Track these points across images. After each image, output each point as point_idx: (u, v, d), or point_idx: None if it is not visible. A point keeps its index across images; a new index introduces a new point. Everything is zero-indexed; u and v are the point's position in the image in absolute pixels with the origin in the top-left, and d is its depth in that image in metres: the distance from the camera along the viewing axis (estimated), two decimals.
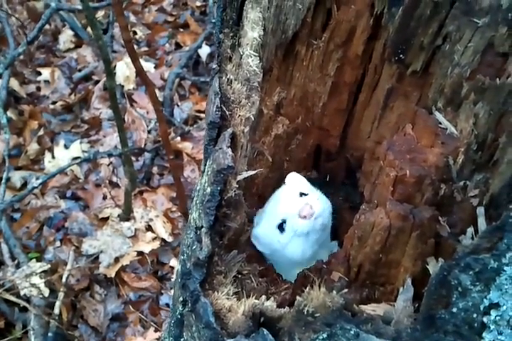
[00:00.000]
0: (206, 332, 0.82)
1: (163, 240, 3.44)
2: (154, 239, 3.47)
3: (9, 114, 3.45)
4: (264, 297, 0.83)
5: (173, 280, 3.39)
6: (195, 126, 3.75)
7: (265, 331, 0.75)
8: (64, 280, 3.15)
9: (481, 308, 0.68)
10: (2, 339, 2.93)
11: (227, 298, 0.84)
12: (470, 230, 0.72)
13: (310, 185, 1.09)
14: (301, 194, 1.03)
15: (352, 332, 0.68)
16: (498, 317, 0.69)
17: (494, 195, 0.79)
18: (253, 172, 0.96)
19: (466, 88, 0.82)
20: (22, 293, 3.04)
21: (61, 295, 3.07)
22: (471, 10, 0.78)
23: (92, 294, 3.29)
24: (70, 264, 3.23)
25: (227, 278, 0.89)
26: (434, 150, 0.82)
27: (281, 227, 1.02)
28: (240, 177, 0.92)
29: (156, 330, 3.20)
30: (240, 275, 0.97)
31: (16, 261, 3.18)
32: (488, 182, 0.81)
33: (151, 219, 3.52)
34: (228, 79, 0.93)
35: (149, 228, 3.49)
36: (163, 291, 3.38)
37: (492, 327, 0.70)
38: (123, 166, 3.27)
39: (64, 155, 3.56)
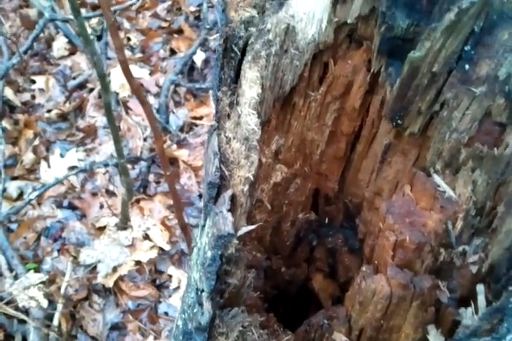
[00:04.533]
0: None
1: (160, 248, 3.46)
2: (152, 247, 3.48)
3: (4, 123, 3.44)
4: None
5: (171, 288, 3.41)
6: (191, 133, 3.74)
7: None
8: (62, 290, 3.16)
9: None
10: None
11: None
12: (470, 310, 0.73)
13: None
14: None
15: None
16: None
17: (493, 263, 0.80)
18: (253, 227, 0.96)
19: (464, 154, 0.82)
20: (20, 305, 3.04)
21: (60, 306, 3.09)
22: (469, 79, 0.79)
23: (91, 304, 3.30)
24: (68, 275, 3.23)
25: (229, 339, 0.90)
26: (433, 215, 0.83)
27: None
28: (240, 233, 0.92)
29: (155, 338, 3.22)
30: (241, 328, 0.97)
31: (14, 273, 3.18)
32: (487, 247, 0.81)
33: (148, 228, 3.53)
34: (227, 137, 0.93)
35: (147, 237, 3.50)
36: (161, 300, 3.39)
37: None
38: (119, 176, 3.26)
39: (60, 164, 3.55)
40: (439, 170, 0.86)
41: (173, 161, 3.69)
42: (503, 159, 0.77)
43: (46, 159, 3.57)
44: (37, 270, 3.28)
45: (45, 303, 3.04)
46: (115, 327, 3.25)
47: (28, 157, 3.56)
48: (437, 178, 0.86)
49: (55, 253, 3.38)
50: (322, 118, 1.04)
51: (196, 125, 3.79)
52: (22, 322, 3.00)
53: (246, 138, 0.91)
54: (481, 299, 0.72)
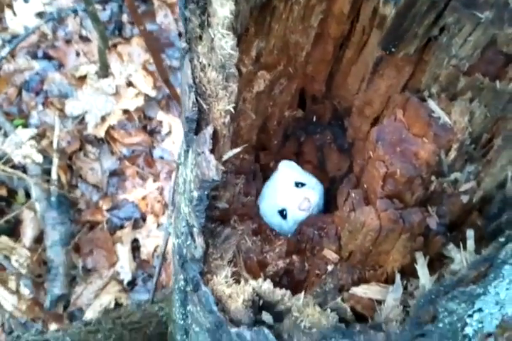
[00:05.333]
0: (209, 316, 0.89)
1: (146, 95, 3.40)
2: (137, 94, 3.42)
3: None
4: (260, 279, 0.88)
5: (163, 133, 3.45)
6: None
7: (266, 330, 0.81)
8: (55, 145, 3.19)
9: (466, 318, 0.74)
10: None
11: (227, 284, 0.89)
12: (459, 256, 0.73)
13: (303, 171, 1.11)
14: (297, 184, 1.06)
15: None
16: (480, 318, 0.76)
17: (485, 195, 0.79)
18: (238, 149, 0.93)
19: (462, 83, 0.75)
20: (16, 161, 3.10)
21: (55, 160, 3.15)
22: (474, 2, 0.67)
23: (86, 154, 3.36)
24: (58, 128, 3.23)
25: (224, 260, 0.93)
26: (425, 144, 0.79)
27: (282, 213, 1.06)
28: (225, 158, 0.89)
29: (154, 181, 3.36)
30: (234, 233, 1.00)
31: (3, 131, 3.18)
32: (480, 175, 0.79)
33: (130, 74, 3.42)
34: (201, 63, 0.83)
35: (130, 84, 3.41)
36: (155, 145, 3.45)
37: (474, 323, 0.77)
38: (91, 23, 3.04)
39: (25, 10, 3.28)
40: (435, 94, 0.80)
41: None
42: (505, 94, 0.70)
43: (10, 6, 3.28)
44: (25, 125, 3.26)
45: (39, 158, 3.09)
46: (114, 173, 3.36)
47: None
48: (432, 103, 0.80)
49: (40, 107, 3.33)
50: (307, 20, 0.92)
51: None
52: (22, 177, 3.09)
53: (222, 65, 0.82)
54: (471, 243, 0.73)
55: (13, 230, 2.93)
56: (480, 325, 0.77)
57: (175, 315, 1.16)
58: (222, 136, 0.86)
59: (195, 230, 0.87)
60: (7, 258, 2.70)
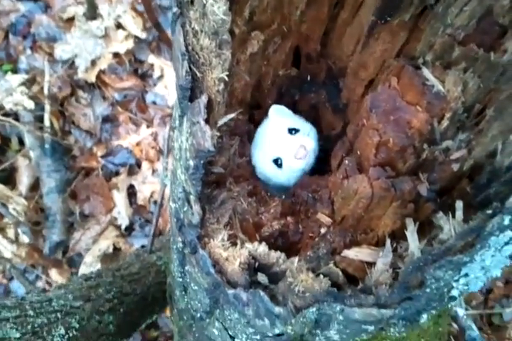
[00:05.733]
0: (207, 277, 0.92)
1: (136, 37, 3.32)
2: (127, 36, 3.34)
3: None
4: (256, 243, 0.91)
5: (154, 77, 3.40)
6: None
7: (261, 292, 0.85)
8: (46, 90, 3.15)
9: (452, 282, 0.77)
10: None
11: (223, 247, 0.92)
12: (447, 226, 0.75)
13: (294, 116, 1.07)
14: (290, 130, 1.03)
15: (338, 308, 0.79)
16: (466, 282, 0.79)
17: (475, 164, 0.80)
18: (232, 115, 0.93)
19: (457, 52, 0.73)
20: (7, 107, 3.07)
21: (47, 106, 3.12)
22: None
23: (78, 99, 3.33)
24: (48, 73, 3.18)
25: (221, 224, 0.95)
26: (419, 113, 0.79)
27: (277, 162, 1.04)
28: (220, 123, 0.90)
29: (148, 126, 3.35)
30: (230, 197, 1.02)
31: None
32: (471, 143, 0.80)
33: (119, 16, 3.32)
34: (193, 29, 0.81)
35: (119, 25, 3.33)
36: (147, 89, 3.41)
37: (460, 287, 0.80)
38: None
39: None
40: (429, 61, 0.79)
41: None
42: (499, 66, 0.70)
43: None
44: (14, 71, 3.20)
45: (31, 105, 3.07)
46: (107, 119, 3.34)
47: None
48: (426, 71, 0.79)
49: (29, 51, 3.25)
50: None
51: None
52: (15, 125, 3.07)
53: (215, 32, 0.81)
54: (459, 214, 0.74)
55: (9, 178, 2.95)
56: (465, 287, 0.80)
57: (173, 272, 1.19)
58: (217, 103, 0.85)
59: (192, 197, 0.88)
60: (4, 206, 2.73)
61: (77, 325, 0.96)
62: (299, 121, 1.07)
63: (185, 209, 0.91)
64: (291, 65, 1.12)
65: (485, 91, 0.74)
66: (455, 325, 1.99)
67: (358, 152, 0.89)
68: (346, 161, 0.88)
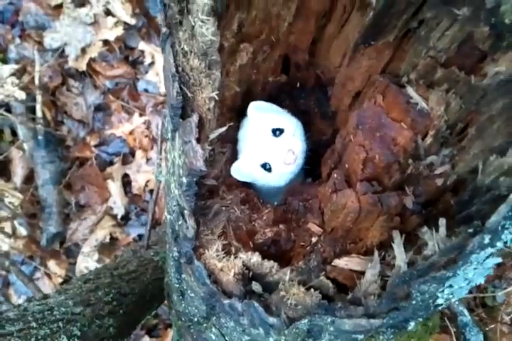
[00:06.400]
0: (203, 287, 0.96)
1: (126, 24, 3.29)
2: (116, 23, 3.31)
3: None
4: (250, 253, 0.94)
5: (145, 64, 3.38)
6: None
7: (256, 304, 0.88)
8: (36, 80, 3.14)
9: (437, 294, 0.80)
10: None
11: (218, 257, 0.95)
12: (431, 243, 0.78)
13: (276, 110, 1.05)
14: (274, 131, 1.02)
15: (329, 320, 0.82)
16: (450, 292, 0.83)
17: (458, 180, 0.82)
18: (223, 129, 0.94)
19: (439, 74, 0.75)
20: None
21: (38, 97, 3.11)
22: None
23: (69, 88, 3.31)
24: (38, 62, 3.16)
25: (215, 234, 0.97)
26: (403, 131, 0.81)
27: (265, 167, 1.04)
28: (212, 137, 0.91)
29: (140, 115, 3.35)
30: (223, 208, 1.05)
31: None
32: (455, 158, 0.82)
33: (107, 2, 3.28)
34: (183, 50, 0.83)
35: (109, 12, 3.29)
36: (138, 77, 3.40)
37: (445, 296, 0.83)
38: None
39: None
40: (413, 80, 0.81)
41: None
42: (479, 89, 0.72)
43: None
44: (4, 60, 3.18)
45: (22, 95, 3.06)
46: (99, 108, 3.33)
47: None
48: (410, 90, 0.81)
49: (18, 40, 3.22)
50: None
51: None
52: (7, 117, 3.06)
53: (204, 52, 0.82)
54: (442, 230, 0.77)
55: (3, 171, 2.96)
56: (450, 296, 0.84)
57: (171, 276, 1.23)
58: (208, 121, 0.87)
59: (186, 212, 0.91)
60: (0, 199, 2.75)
61: (78, 333, 0.99)
62: (283, 117, 1.04)
63: (179, 222, 0.93)
64: (281, 72, 1.14)
65: (467, 111, 0.76)
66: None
67: (346, 165, 0.91)
68: (335, 175, 0.90)
